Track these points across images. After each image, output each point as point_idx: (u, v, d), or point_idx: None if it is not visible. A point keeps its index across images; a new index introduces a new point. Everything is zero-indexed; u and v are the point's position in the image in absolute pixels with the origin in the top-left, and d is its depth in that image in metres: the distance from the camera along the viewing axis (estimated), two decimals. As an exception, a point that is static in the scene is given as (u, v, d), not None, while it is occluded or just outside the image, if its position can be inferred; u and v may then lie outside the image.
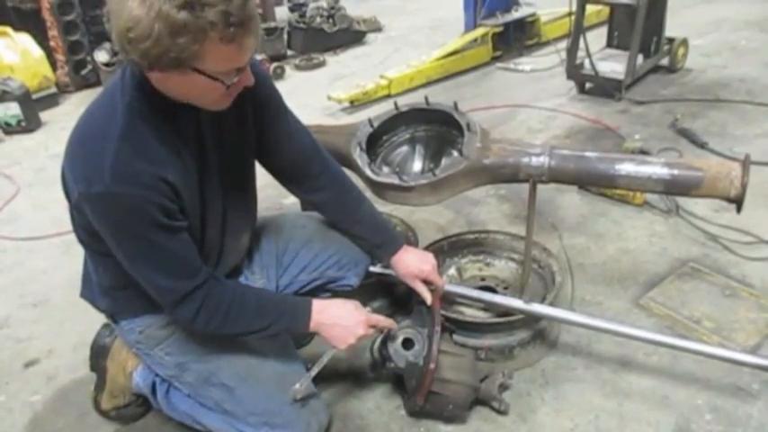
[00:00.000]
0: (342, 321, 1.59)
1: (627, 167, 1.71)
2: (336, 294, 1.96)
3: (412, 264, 1.80)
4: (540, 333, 1.97)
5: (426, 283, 1.81)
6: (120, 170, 1.27)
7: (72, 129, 1.37)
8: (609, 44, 4.09)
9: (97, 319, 1.89)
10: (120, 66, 1.40)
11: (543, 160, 1.78)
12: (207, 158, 1.47)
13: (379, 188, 1.97)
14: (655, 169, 1.69)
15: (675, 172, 1.67)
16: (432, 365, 1.66)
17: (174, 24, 1.13)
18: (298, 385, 1.60)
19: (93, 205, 1.32)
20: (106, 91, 1.40)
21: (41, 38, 5.09)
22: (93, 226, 1.40)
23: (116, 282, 1.56)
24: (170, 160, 1.36)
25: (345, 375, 2.00)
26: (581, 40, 3.75)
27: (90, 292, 1.66)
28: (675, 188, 1.69)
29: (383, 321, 1.68)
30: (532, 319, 1.93)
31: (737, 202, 1.62)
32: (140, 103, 1.33)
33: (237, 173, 1.61)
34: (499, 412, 1.79)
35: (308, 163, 1.74)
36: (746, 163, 1.61)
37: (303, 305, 1.59)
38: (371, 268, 1.96)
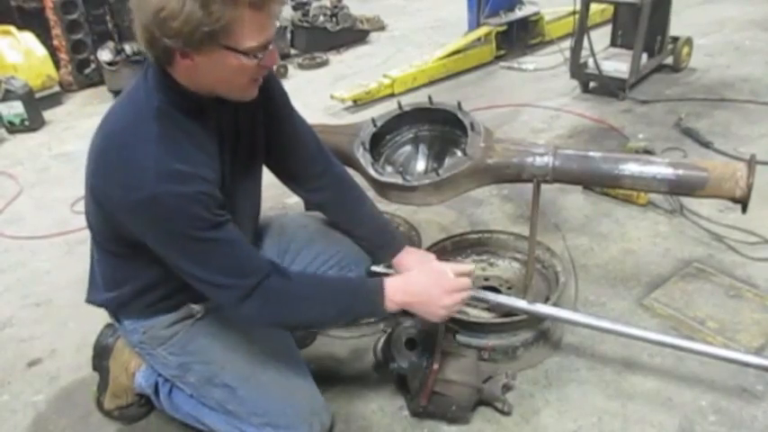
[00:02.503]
0: (423, 298, 1.49)
1: (631, 168, 1.71)
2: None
3: (413, 266, 1.80)
4: (543, 334, 1.96)
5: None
6: (163, 172, 1.27)
7: (98, 137, 1.36)
8: (613, 43, 4.07)
9: (100, 320, 1.89)
10: (141, 67, 1.40)
11: (547, 160, 1.77)
12: (226, 157, 1.48)
13: (383, 188, 1.96)
14: (659, 169, 1.68)
15: (680, 172, 1.66)
16: (435, 366, 1.66)
17: None
18: None
19: (140, 211, 1.30)
20: (129, 96, 1.38)
21: (45, 37, 5.09)
22: (121, 232, 1.39)
23: (125, 283, 1.56)
24: (201, 159, 1.36)
25: (348, 376, 1.99)
26: (585, 39, 3.74)
27: (96, 293, 1.66)
28: (680, 188, 1.69)
29: (466, 281, 1.55)
30: (536, 320, 1.92)
31: (743, 203, 1.62)
32: (168, 106, 1.33)
33: (250, 172, 1.61)
34: (502, 413, 1.78)
35: (311, 162, 1.74)
36: (752, 163, 1.60)
37: (374, 291, 1.49)
38: (374, 268, 1.95)
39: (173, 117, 1.33)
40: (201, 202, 1.31)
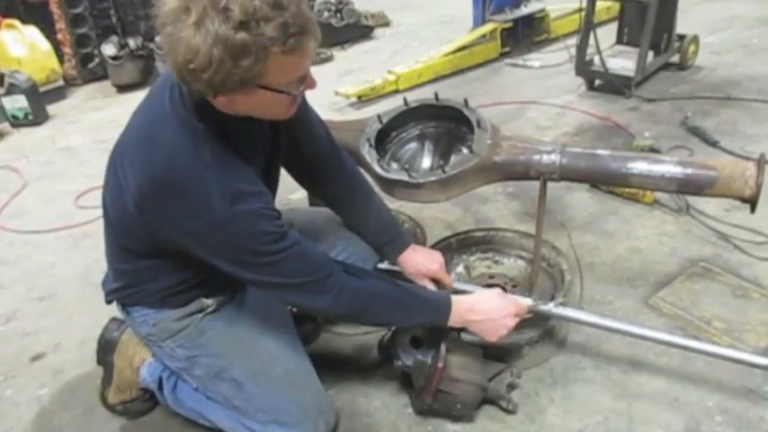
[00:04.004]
0: (491, 316, 1.62)
1: (640, 166, 1.70)
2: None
3: (419, 263, 1.80)
4: (548, 332, 1.96)
5: (434, 281, 1.81)
6: (226, 194, 1.28)
7: (145, 159, 1.32)
8: (619, 41, 4.05)
9: (104, 314, 1.89)
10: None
11: (555, 158, 1.76)
12: (258, 163, 1.48)
13: (388, 185, 1.96)
14: (668, 168, 1.67)
15: (689, 171, 1.65)
16: (440, 364, 1.65)
17: (234, 47, 1.11)
18: None
19: (208, 236, 1.32)
20: (165, 113, 1.34)
21: (49, 31, 5.10)
22: (165, 246, 1.40)
23: (141, 278, 1.56)
24: (252, 174, 1.37)
25: (352, 373, 1.99)
26: (591, 37, 3.72)
27: (107, 284, 1.66)
28: (689, 187, 1.68)
29: (526, 308, 1.71)
30: (541, 318, 1.91)
31: (752, 202, 1.61)
32: (211, 128, 1.32)
33: (271, 174, 1.61)
34: (507, 412, 1.77)
35: (324, 156, 1.74)
36: (761, 162, 1.59)
37: (444, 304, 1.60)
38: (380, 265, 1.95)
39: (218, 138, 1.32)
40: (265, 217, 1.33)
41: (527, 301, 1.75)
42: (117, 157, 1.43)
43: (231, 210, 1.29)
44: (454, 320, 1.61)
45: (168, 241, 1.38)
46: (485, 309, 1.62)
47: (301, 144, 1.68)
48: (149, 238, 1.41)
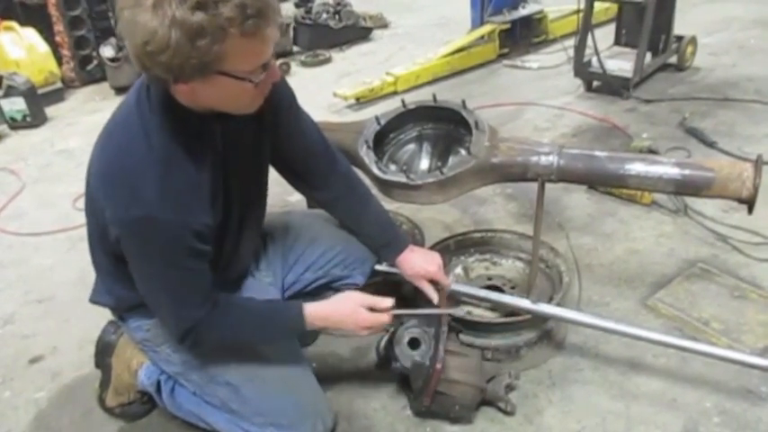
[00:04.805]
0: (344, 328, 1.59)
1: (637, 167, 1.70)
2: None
3: (417, 264, 1.80)
4: (547, 333, 1.96)
5: (433, 282, 1.81)
6: (166, 195, 1.27)
7: (102, 151, 1.35)
8: (617, 42, 4.05)
9: (102, 317, 1.89)
10: (138, 78, 1.37)
11: (552, 159, 1.76)
12: (230, 167, 1.46)
13: (386, 186, 1.96)
14: (666, 169, 1.67)
15: (687, 172, 1.65)
16: (438, 366, 1.65)
17: (190, 28, 1.10)
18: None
19: (129, 229, 1.31)
20: (132, 110, 1.34)
21: (47, 33, 5.08)
22: (112, 243, 1.38)
23: (129, 284, 1.54)
24: (204, 178, 1.36)
25: (351, 375, 1.99)
26: (589, 38, 3.72)
27: (99, 293, 1.66)
28: (686, 189, 1.68)
29: (381, 318, 1.58)
30: (539, 320, 1.91)
31: (749, 203, 1.61)
32: (171, 123, 1.31)
33: (256, 177, 1.60)
34: (506, 413, 1.78)
35: (317, 160, 1.73)
36: (759, 163, 1.59)
37: (296, 318, 1.55)
38: (377, 267, 1.94)
39: (176, 137, 1.31)
40: (194, 232, 1.32)
41: (385, 305, 1.62)
42: (90, 160, 1.43)
43: (164, 214, 1.27)
44: (310, 328, 1.58)
45: (116, 240, 1.36)
46: (334, 320, 1.58)
47: (292, 147, 1.67)
48: (108, 239, 1.39)
